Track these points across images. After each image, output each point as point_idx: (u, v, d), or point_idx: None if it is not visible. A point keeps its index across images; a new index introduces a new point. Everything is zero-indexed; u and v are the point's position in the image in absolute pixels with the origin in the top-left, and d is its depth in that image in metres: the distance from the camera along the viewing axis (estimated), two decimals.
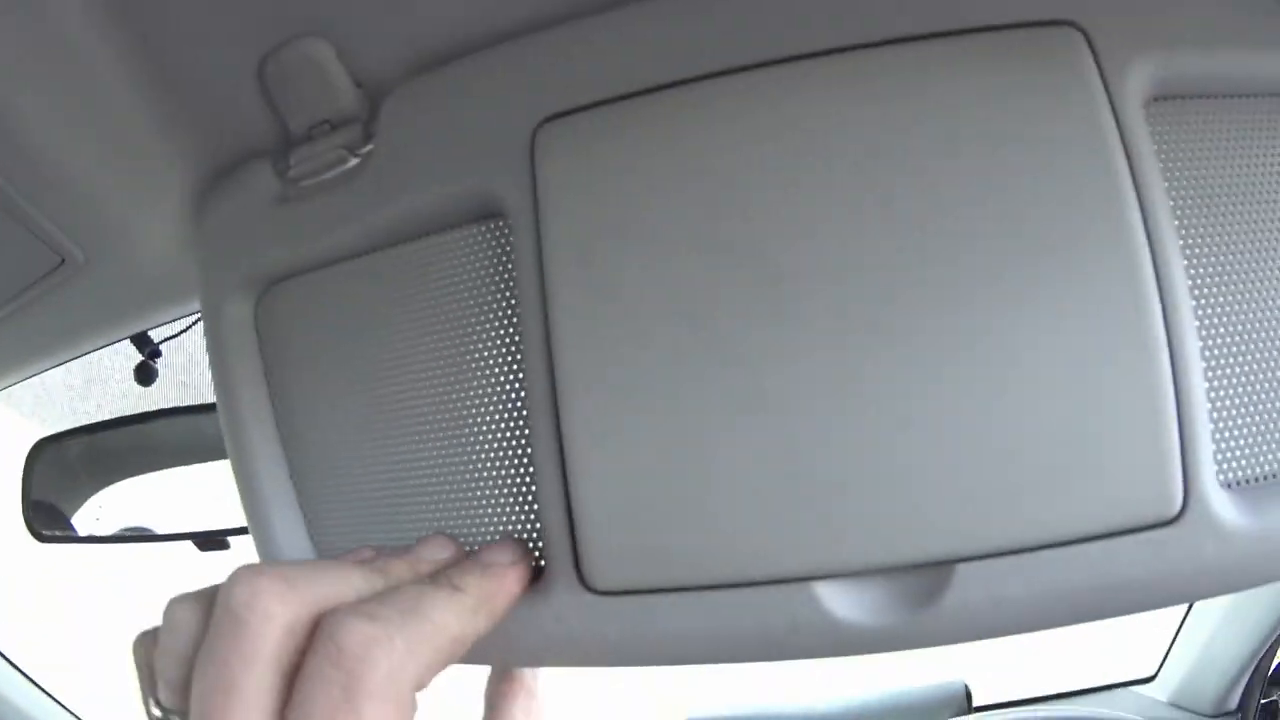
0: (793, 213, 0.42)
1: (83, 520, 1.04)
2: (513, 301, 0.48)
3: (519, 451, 0.48)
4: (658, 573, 0.43)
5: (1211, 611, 1.38)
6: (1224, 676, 1.35)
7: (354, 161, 0.51)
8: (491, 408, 0.49)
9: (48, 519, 1.02)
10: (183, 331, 0.93)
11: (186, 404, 1.01)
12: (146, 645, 0.42)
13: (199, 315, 0.60)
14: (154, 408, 1.00)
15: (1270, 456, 0.41)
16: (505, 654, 0.48)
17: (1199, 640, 1.41)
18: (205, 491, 0.99)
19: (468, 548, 0.47)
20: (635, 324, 0.43)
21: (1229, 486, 0.41)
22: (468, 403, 0.49)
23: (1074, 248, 0.40)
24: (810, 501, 0.41)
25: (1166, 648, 1.52)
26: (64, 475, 1.02)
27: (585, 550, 0.44)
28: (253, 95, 0.51)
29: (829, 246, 0.42)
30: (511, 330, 0.48)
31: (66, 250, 0.60)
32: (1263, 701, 1.33)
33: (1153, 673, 1.54)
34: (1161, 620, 1.49)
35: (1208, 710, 1.37)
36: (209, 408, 1.02)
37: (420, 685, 0.38)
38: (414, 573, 0.44)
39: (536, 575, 0.46)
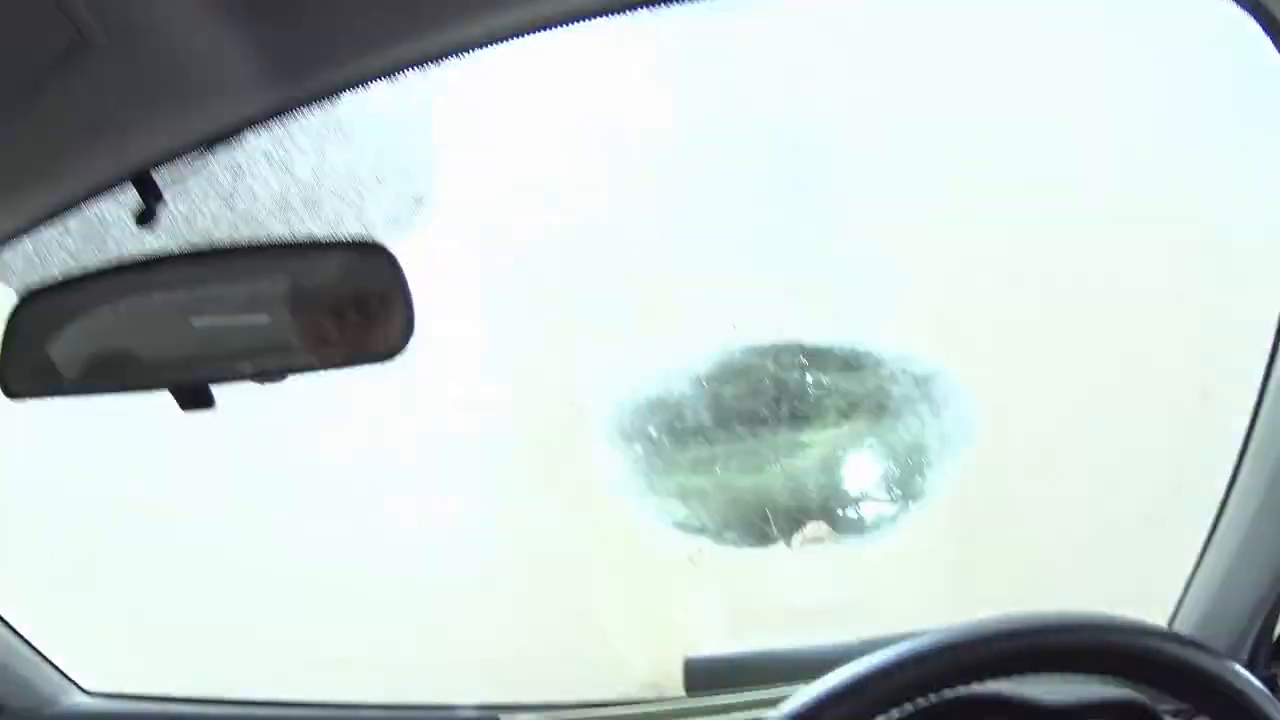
0: None
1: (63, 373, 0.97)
2: None
3: None
4: None
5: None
6: (1239, 618, 1.36)
7: None
8: None
9: (22, 374, 0.95)
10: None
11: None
12: None
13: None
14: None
15: None
16: None
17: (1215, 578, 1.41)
18: None
19: None
20: None
21: None
22: None
23: None
24: None
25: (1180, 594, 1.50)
26: (49, 330, 0.96)
27: None
28: None
29: None
30: None
31: (87, 27, 0.55)
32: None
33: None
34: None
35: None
36: (218, 253, 0.96)
37: None
38: None
39: None
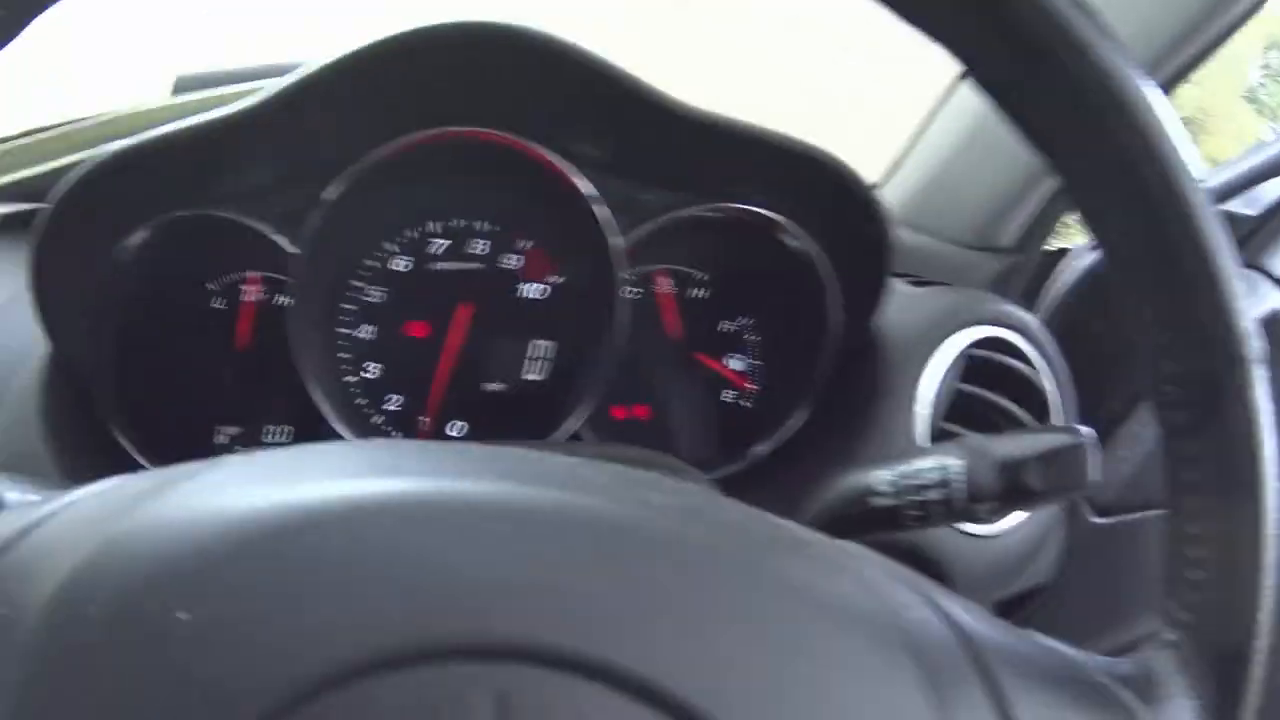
0: None
1: None
2: None
3: None
4: None
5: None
6: (986, 198, 1.13)
7: None
8: None
9: None
10: None
11: None
12: None
13: None
14: None
15: None
16: None
17: (935, 156, 1.16)
18: None
19: None
20: None
21: None
22: None
23: None
24: None
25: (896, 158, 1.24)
26: None
27: None
28: None
29: None
30: None
31: None
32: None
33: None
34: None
35: (963, 237, 1.15)
36: None
37: None
38: None
39: None
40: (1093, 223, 0.41)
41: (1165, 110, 0.38)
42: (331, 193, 0.74)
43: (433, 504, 0.32)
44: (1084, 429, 0.58)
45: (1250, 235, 1.21)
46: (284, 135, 0.72)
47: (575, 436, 0.82)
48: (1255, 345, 0.39)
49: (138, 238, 0.74)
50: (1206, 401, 0.40)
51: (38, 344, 0.75)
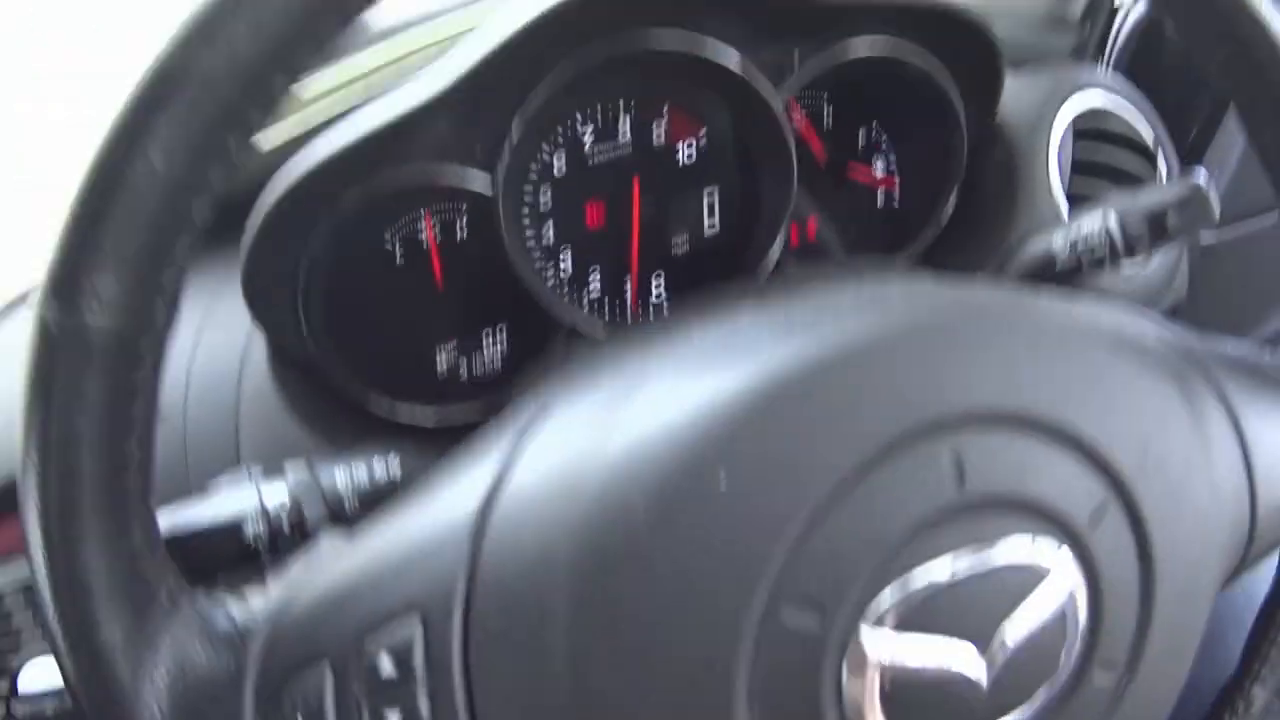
0: None
1: None
2: None
3: None
4: None
5: None
6: None
7: None
8: None
9: None
10: None
11: None
12: None
13: None
14: None
15: None
16: None
17: None
18: None
19: None
20: None
21: None
22: None
23: None
24: None
25: None
26: None
27: None
28: None
29: None
30: None
31: None
32: None
33: None
34: None
35: (1037, 18, 1.22)
36: None
37: None
38: None
39: None
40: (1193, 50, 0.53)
41: None
42: (515, 134, 0.82)
43: (848, 349, 0.45)
44: (1200, 176, 0.73)
45: None
46: (463, 96, 0.78)
47: (778, 265, 0.94)
48: None
49: (330, 219, 0.80)
50: None
51: (251, 347, 0.83)
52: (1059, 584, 0.46)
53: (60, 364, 0.40)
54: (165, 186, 0.39)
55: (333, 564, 0.47)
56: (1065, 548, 0.46)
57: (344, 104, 0.89)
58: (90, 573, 0.42)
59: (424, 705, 0.43)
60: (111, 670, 0.43)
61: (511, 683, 0.42)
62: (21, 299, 1.12)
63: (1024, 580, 0.46)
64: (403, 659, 0.43)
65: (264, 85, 0.40)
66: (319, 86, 0.93)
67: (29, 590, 0.85)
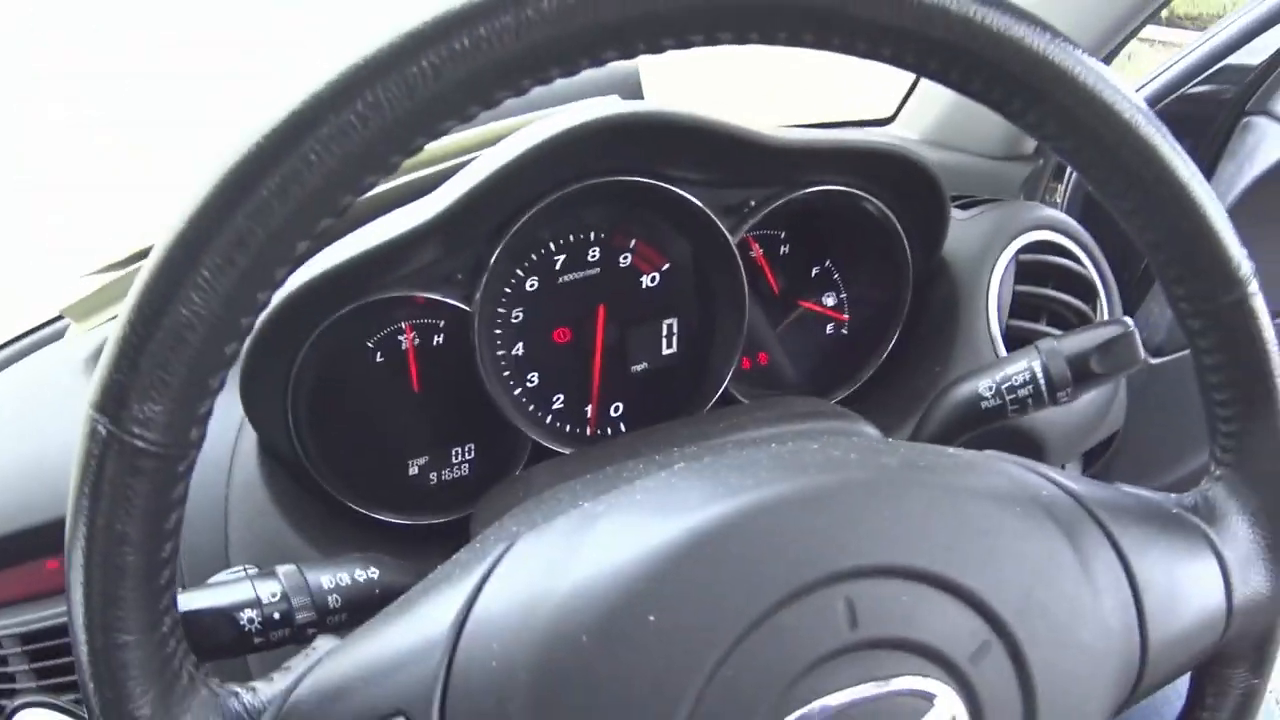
0: None
1: None
2: None
3: None
4: None
5: None
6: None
7: None
8: None
9: None
10: None
11: None
12: None
13: None
14: None
15: None
16: None
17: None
18: None
19: None
20: None
21: None
22: None
23: None
24: None
25: (907, 90, 1.38)
26: None
27: None
28: None
29: None
30: None
31: None
32: None
33: (890, 114, 1.40)
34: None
35: (992, 150, 1.28)
36: None
37: None
38: None
39: None
40: (1103, 199, 0.58)
41: (1139, 101, 0.54)
42: (497, 255, 0.88)
43: (766, 505, 0.51)
44: (1127, 319, 0.78)
45: (1256, 83, 1.33)
46: (452, 223, 0.84)
47: (727, 390, 1.00)
48: (1245, 265, 0.56)
49: (321, 330, 0.86)
50: (1214, 313, 0.58)
51: (241, 440, 0.89)
52: (943, 715, 0.51)
53: (109, 470, 0.45)
54: (204, 330, 0.45)
55: (330, 664, 0.53)
56: (949, 683, 0.51)
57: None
58: (128, 653, 0.48)
59: None
60: None
61: None
62: (47, 328, 1.17)
63: (912, 711, 0.50)
64: None
65: (289, 242, 0.45)
66: None
67: (24, 638, 0.93)
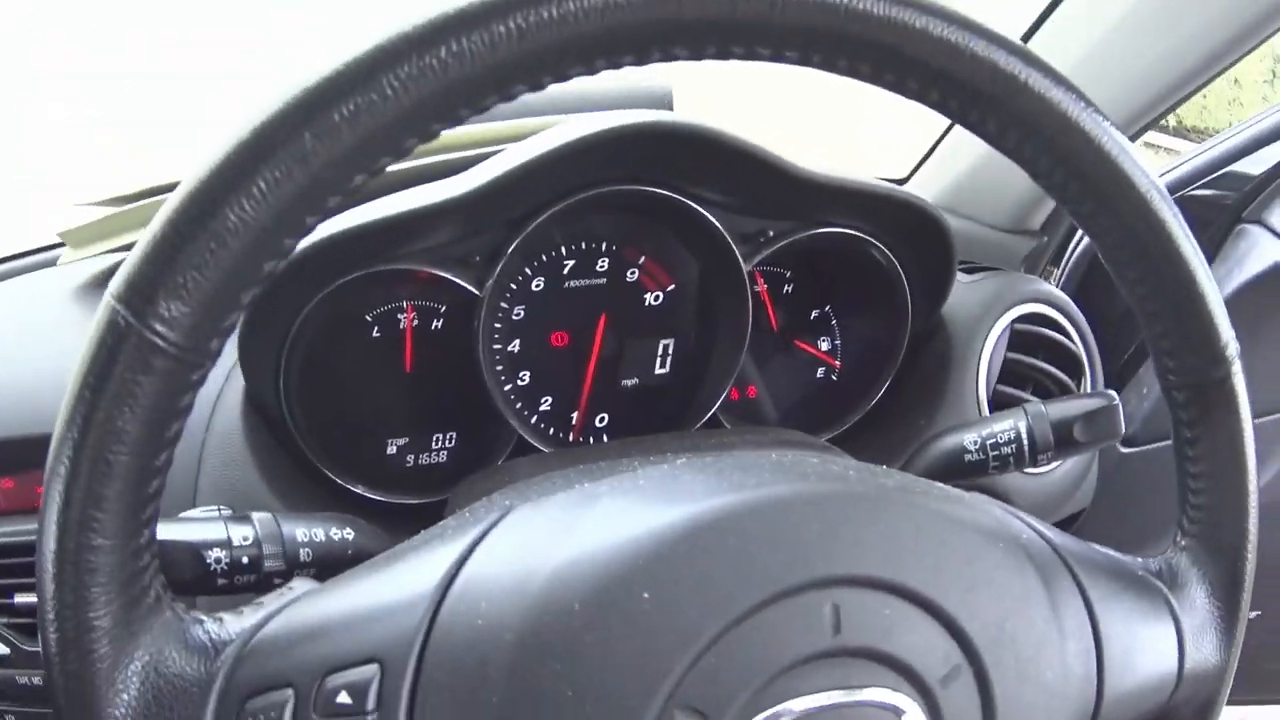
0: None
1: None
2: None
3: None
4: None
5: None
6: (1016, 190, 1.27)
7: None
8: None
9: None
10: None
11: None
12: None
13: None
14: None
15: None
16: None
17: (971, 152, 1.30)
18: None
19: None
20: None
21: None
22: None
23: None
24: None
25: (925, 153, 1.39)
26: None
27: None
28: None
29: None
30: None
31: None
32: None
33: (905, 174, 1.41)
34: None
35: (1000, 222, 1.31)
36: None
37: None
38: None
39: None
40: (1112, 269, 0.60)
41: (1156, 179, 0.56)
42: (516, 245, 0.89)
43: (767, 504, 0.52)
44: (1111, 393, 0.80)
45: (1254, 192, 1.37)
46: (474, 206, 0.85)
47: (712, 418, 1.01)
48: (1233, 345, 0.59)
49: (329, 289, 0.86)
50: (1198, 385, 0.61)
51: (228, 388, 0.89)
52: None
53: (121, 362, 0.44)
54: (249, 240, 0.44)
55: (307, 604, 0.53)
56: (918, 701, 0.52)
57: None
58: (99, 556, 0.47)
59: None
60: (93, 648, 0.48)
61: None
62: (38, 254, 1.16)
63: None
64: (358, 698, 0.49)
65: (348, 173, 0.45)
66: None
67: None
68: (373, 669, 0.49)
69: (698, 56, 0.49)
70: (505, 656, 0.48)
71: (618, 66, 0.48)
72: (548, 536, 0.52)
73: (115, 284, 0.45)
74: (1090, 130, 0.54)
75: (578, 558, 0.50)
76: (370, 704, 0.49)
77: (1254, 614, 0.73)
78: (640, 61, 0.48)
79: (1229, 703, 0.67)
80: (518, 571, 0.50)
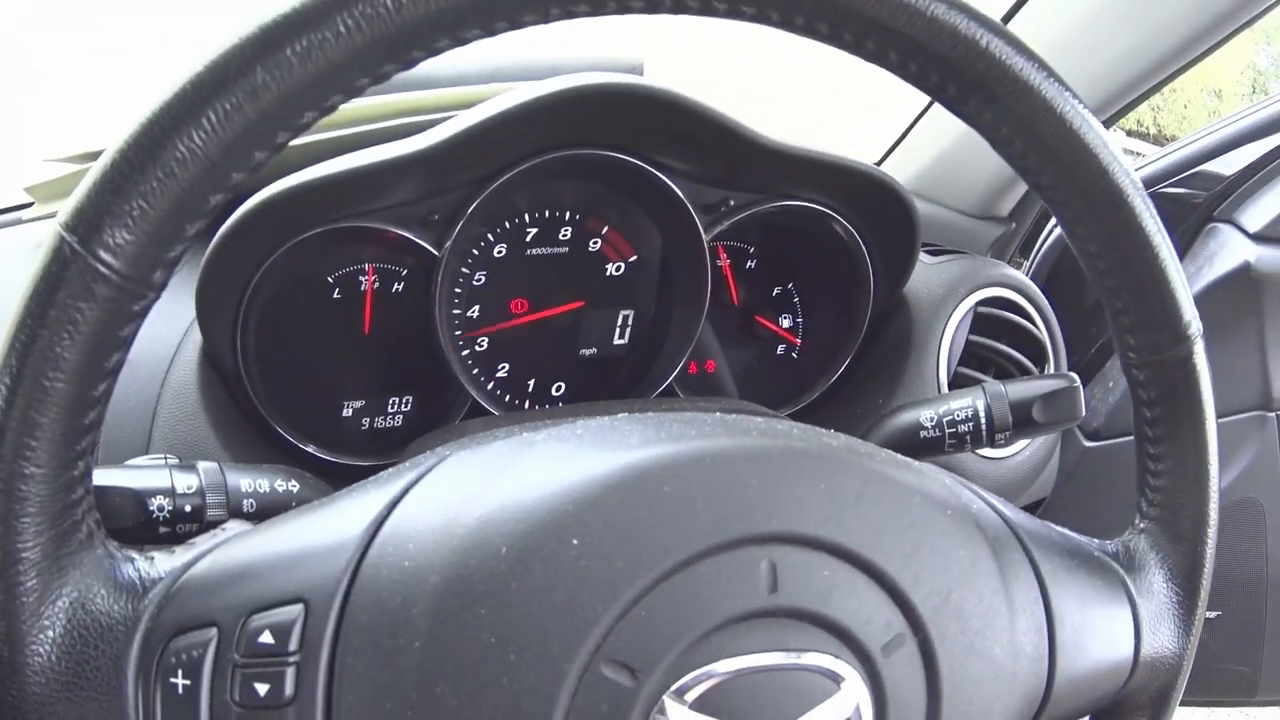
0: None
1: None
2: None
3: None
4: None
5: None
6: (985, 176, 1.26)
7: None
8: None
9: None
10: None
11: None
12: None
13: None
14: None
15: None
16: None
17: (940, 137, 1.29)
18: None
19: None
20: None
21: None
22: None
23: None
24: None
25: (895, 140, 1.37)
26: None
27: None
28: None
29: None
30: None
31: None
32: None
33: (878, 157, 1.38)
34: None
35: (968, 208, 1.31)
36: None
37: None
38: None
39: None
40: (1073, 242, 0.59)
41: (1119, 151, 0.55)
42: (476, 205, 0.88)
43: (706, 455, 0.51)
44: (1073, 375, 0.79)
45: (1225, 192, 1.38)
46: (436, 162, 0.84)
47: (669, 389, 1.00)
48: (1195, 324, 0.58)
49: (289, 245, 0.85)
50: (1159, 364, 0.60)
51: (185, 343, 0.87)
52: (848, 700, 0.50)
53: (65, 290, 0.44)
54: (197, 171, 0.45)
55: (236, 545, 0.52)
56: (858, 669, 0.51)
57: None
58: (31, 485, 0.46)
59: (289, 682, 0.48)
60: (20, 580, 0.47)
61: (368, 674, 0.47)
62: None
63: (817, 689, 0.50)
64: (281, 638, 0.48)
65: (298, 109, 0.45)
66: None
67: None
68: (297, 609, 0.48)
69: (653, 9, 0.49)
70: (428, 599, 0.47)
71: (572, 16, 0.48)
72: (480, 481, 0.50)
73: (63, 212, 0.45)
74: (1051, 98, 0.53)
75: (507, 501, 0.48)
76: (293, 644, 0.48)
77: (1213, 614, 0.73)
78: (595, 11, 0.48)
79: (1184, 703, 0.66)
80: (447, 515, 0.49)
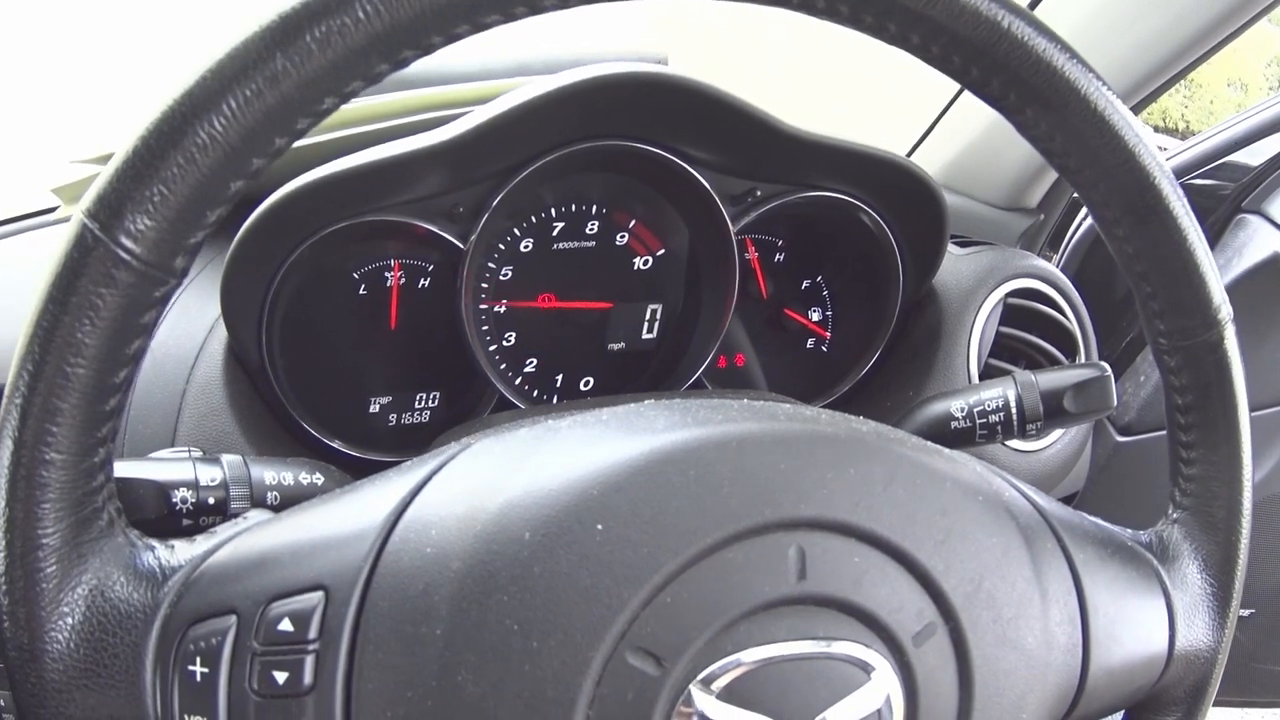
0: None
1: None
2: None
3: None
4: None
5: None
6: (1013, 167, 1.26)
7: None
8: None
9: None
10: None
11: None
12: None
13: None
14: None
15: None
16: None
17: (968, 129, 1.28)
18: None
19: None
20: None
21: None
22: None
23: None
24: None
25: (923, 133, 1.37)
26: None
27: None
28: None
29: None
30: None
31: None
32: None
33: (906, 150, 1.37)
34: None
35: (996, 200, 1.30)
36: None
37: None
38: None
39: None
40: (1101, 228, 0.58)
41: (1145, 133, 0.55)
42: (501, 198, 0.88)
43: (733, 439, 0.50)
44: (1104, 364, 0.78)
45: (1253, 183, 1.37)
46: (460, 154, 0.84)
47: (697, 383, 0.99)
48: (1226, 309, 0.57)
49: (314, 240, 0.85)
50: (1191, 350, 0.59)
51: (211, 339, 0.87)
52: (878, 690, 0.49)
53: (86, 275, 0.45)
54: (217, 157, 0.45)
55: (257, 533, 0.52)
56: (889, 659, 0.50)
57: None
58: (52, 471, 0.46)
59: (309, 670, 0.47)
60: (40, 566, 0.47)
61: (388, 662, 0.47)
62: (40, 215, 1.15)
63: (846, 679, 0.49)
64: (301, 626, 0.48)
65: (318, 95, 0.45)
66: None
67: None
68: (317, 596, 0.48)
69: None
70: (450, 586, 0.46)
71: (589, 1, 0.48)
72: (503, 467, 0.50)
73: (85, 199, 0.45)
74: (1076, 80, 0.52)
75: (531, 487, 0.48)
76: (312, 632, 0.47)
77: (1247, 612, 0.72)
78: None
79: (1219, 703, 0.65)
80: (470, 501, 0.48)
